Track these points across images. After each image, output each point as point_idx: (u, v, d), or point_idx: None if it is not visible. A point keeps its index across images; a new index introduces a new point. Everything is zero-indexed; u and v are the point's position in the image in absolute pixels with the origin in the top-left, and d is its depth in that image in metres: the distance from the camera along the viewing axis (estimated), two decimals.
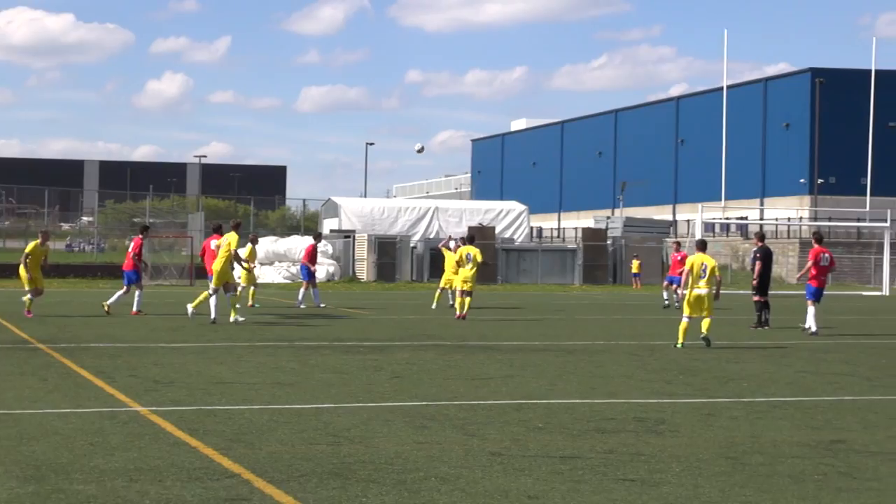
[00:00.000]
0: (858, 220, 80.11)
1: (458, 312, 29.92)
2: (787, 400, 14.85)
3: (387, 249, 61.31)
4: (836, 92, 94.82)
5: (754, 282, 29.07)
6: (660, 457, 10.62)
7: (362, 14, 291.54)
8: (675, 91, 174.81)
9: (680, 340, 22.10)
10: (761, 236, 30.17)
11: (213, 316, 26.80)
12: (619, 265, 66.57)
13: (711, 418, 13.07)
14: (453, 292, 33.28)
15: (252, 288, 33.60)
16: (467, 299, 29.95)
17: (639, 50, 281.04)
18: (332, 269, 59.75)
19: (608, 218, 77.19)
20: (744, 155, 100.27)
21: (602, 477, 9.70)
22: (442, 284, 35.25)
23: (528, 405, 13.88)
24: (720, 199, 72.93)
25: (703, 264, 22.34)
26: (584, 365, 18.84)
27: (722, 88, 72.40)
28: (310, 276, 35.71)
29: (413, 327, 27.47)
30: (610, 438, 11.58)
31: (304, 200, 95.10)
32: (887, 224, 63.37)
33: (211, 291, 27.25)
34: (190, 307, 27.39)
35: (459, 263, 30.75)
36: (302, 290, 35.93)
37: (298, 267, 45.03)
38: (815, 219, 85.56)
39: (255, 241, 34.40)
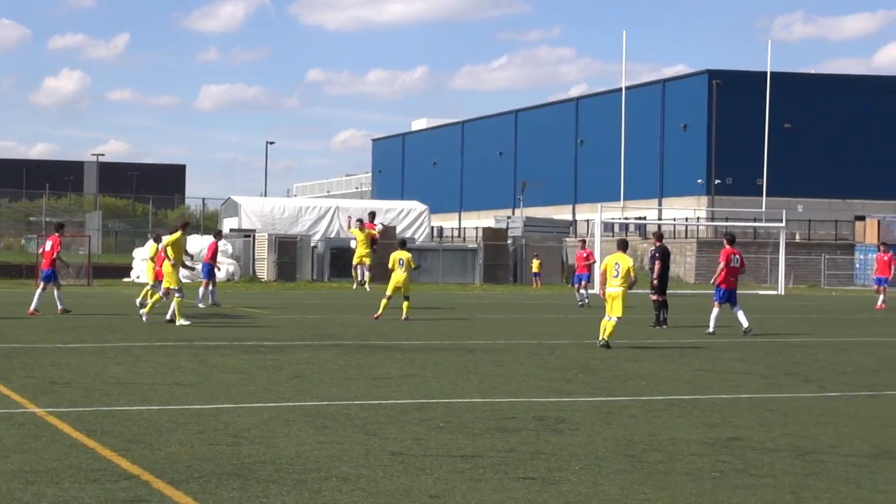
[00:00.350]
0: (755, 220, 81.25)
1: (377, 313, 30.00)
2: (684, 398, 15.01)
3: (287, 249, 61.00)
4: (732, 93, 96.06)
5: (655, 281, 29.32)
6: (560, 455, 10.68)
7: (263, 12, 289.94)
8: (575, 92, 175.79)
9: (602, 335, 22.20)
10: (659, 236, 30.45)
11: (170, 316, 27.25)
12: (519, 265, 66.82)
13: (611, 417, 13.18)
14: (361, 268, 34.44)
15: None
16: (406, 303, 30.13)
17: (539, 51, 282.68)
18: (232, 268, 59.31)
19: (508, 218, 77.45)
20: (642, 155, 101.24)
21: (503, 475, 9.73)
22: (354, 262, 39.11)
23: (429, 405, 13.89)
24: (619, 199, 73.66)
25: (616, 264, 22.41)
26: (484, 364, 18.90)
27: (621, 89, 73.10)
28: (210, 274, 35.48)
29: (314, 327, 27.38)
30: (510, 437, 11.63)
31: (203, 199, 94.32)
32: (783, 224, 64.36)
33: (177, 293, 26.98)
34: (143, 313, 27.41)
35: (392, 269, 30.89)
36: (202, 288, 35.71)
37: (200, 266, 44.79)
38: (713, 219, 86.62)
39: (158, 240, 34.33)
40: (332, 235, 64.88)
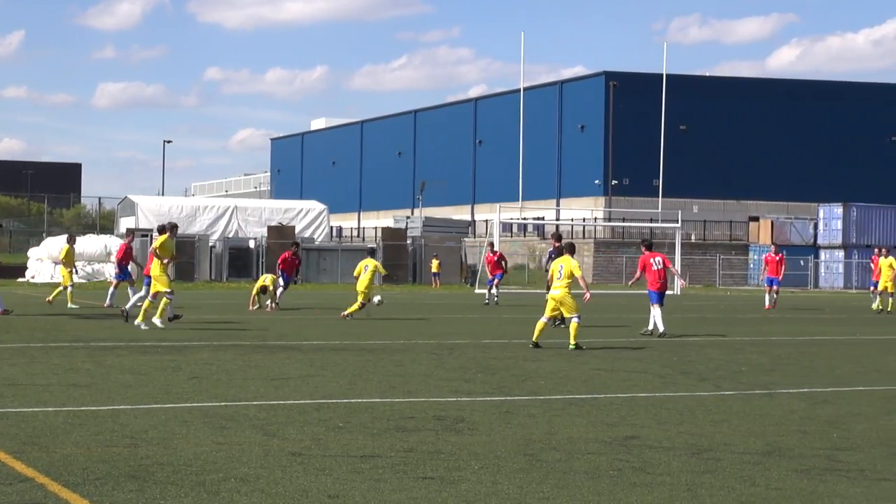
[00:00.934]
0: (651, 220, 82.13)
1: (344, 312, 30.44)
2: (582, 397, 15.14)
3: (185, 249, 60.42)
4: (629, 95, 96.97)
5: (551, 281, 29.53)
6: (459, 455, 10.72)
7: (160, 10, 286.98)
8: (474, 92, 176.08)
9: (534, 337, 22.56)
10: (558, 237, 30.65)
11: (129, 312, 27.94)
12: (418, 265, 66.93)
13: (509, 416, 13.24)
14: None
15: (69, 289, 34.20)
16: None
17: (438, 51, 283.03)
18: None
19: (408, 218, 77.57)
20: (540, 156, 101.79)
21: (402, 475, 9.74)
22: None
23: (329, 405, 13.87)
24: (518, 200, 73.99)
25: (560, 266, 22.66)
26: (384, 364, 18.90)
27: (519, 90, 73.46)
28: (123, 275, 35.16)
29: (212, 327, 27.18)
30: (410, 437, 11.65)
31: (99, 199, 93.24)
32: (678, 224, 65.10)
33: (168, 295, 26.46)
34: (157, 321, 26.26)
35: (357, 275, 31.14)
36: (111, 289, 35.76)
37: (103, 266, 44.56)
38: (609, 219, 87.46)
39: (72, 241, 34.77)
40: (230, 235, 64.46)
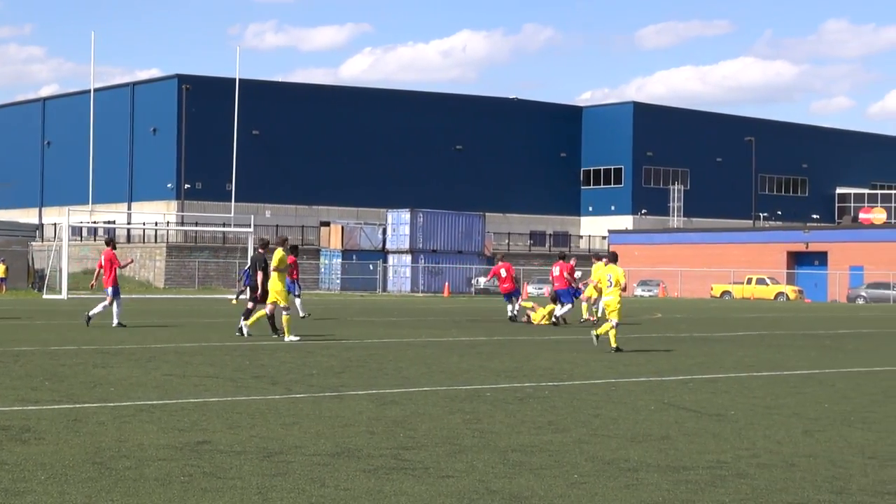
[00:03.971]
0: (224, 225, 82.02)
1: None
2: (153, 403, 14.98)
3: None
4: (203, 99, 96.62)
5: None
6: (24, 465, 10.40)
7: None
8: (46, 92, 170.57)
9: (612, 342, 25.06)
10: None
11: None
12: None
13: (78, 424, 12.95)
14: None
15: None
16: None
17: (8, 49, 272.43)
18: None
19: None
20: (112, 158, 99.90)
21: None
22: None
23: None
24: (88, 203, 72.29)
25: (609, 275, 25.50)
26: None
27: (90, 91, 71.84)
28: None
29: None
30: None
31: None
32: (251, 229, 65.36)
33: (285, 312, 27.08)
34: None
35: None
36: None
37: None
38: (182, 224, 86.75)
39: None
40: None
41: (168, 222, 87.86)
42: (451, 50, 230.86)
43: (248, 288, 36.26)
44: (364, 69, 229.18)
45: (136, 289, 70.67)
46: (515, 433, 13.02)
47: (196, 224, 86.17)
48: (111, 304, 30.77)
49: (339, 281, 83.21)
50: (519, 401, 16.06)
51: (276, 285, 27.47)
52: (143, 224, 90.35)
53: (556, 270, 38.45)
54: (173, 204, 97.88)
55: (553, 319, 36.81)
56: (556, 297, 37.86)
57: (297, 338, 27.07)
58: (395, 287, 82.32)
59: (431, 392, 17.04)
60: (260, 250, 29.36)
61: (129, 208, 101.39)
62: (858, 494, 9.99)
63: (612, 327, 25.24)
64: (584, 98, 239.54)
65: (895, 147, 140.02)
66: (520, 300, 40.34)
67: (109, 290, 30.89)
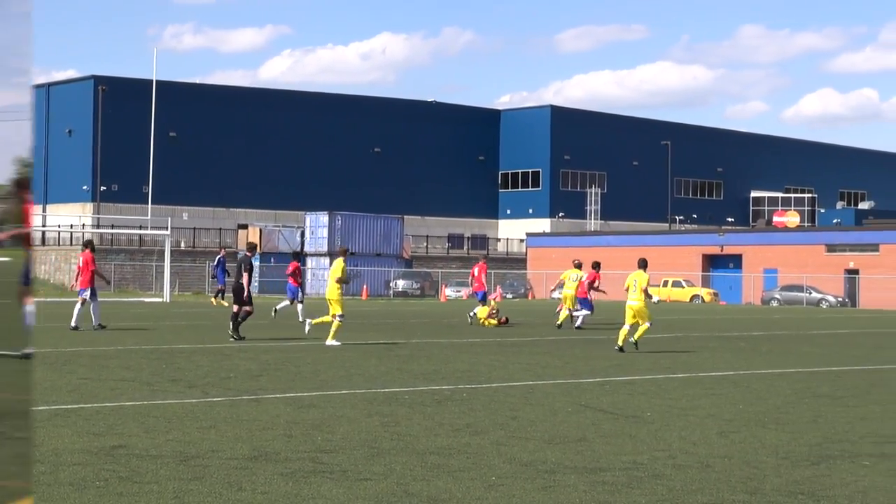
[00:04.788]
0: (140, 227, 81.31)
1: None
2: (68, 407, 14.83)
3: None
4: (119, 100, 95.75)
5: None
6: None
7: None
8: None
9: (619, 341, 27.29)
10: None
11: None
12: None
13: None
14: None
15: None
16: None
17: None
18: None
19: None
20: None
21: None
22: None
23: None
24: None
25: (634, 280, 26.74)
26: None
27: None
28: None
29: None
30: None
31: None
32: (168, 232, 64.93)
33: (339, 318, 27.54)
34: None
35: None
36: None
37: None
38: (98, 226, 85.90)
39: None
40: None
41: (84, 224, 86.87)
42: (370, 52, 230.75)
43: (225, 287, 36.41)
44: (283, 71, 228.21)
45: (52, 292, 69.83)
46: (433, 436, 13.06)
47: (112, 226, 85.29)
48: (83, 304, 30.87)
49: (256, 284, 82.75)
50: (437, 403, 16.10)
51: (333, 294, 27.86)
52: (59, 226, 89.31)
53: (476, 271, 38.89)
54: (89, 206, 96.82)
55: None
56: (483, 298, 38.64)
57: (338, 343, 27.32)
58: (314, 290, 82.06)
59: (349, 395, 17.03)
60: (247, 253, 29.68)
61: (45, 210, 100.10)
62: (772, 494, 10.13)
63: (648, 327, 27.38)
64: (503, 101, 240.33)
65: (809, 151, 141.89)
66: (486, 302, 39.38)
67: (86, 291, 30.95)
